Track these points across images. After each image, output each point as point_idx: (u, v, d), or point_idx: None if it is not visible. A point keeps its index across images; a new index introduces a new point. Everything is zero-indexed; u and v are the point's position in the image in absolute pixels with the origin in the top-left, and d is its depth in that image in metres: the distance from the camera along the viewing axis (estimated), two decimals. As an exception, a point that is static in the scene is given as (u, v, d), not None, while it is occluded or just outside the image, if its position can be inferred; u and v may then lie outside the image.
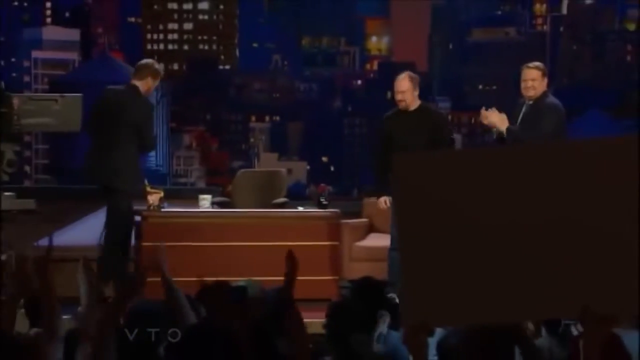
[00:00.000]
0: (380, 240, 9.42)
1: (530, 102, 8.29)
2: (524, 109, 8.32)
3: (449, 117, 48.00)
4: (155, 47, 70.46)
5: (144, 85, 8.36)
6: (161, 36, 71.13)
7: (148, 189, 8.65)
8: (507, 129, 8.17)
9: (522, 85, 8.34)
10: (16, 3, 66.70)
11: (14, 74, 63.23)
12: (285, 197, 9.59)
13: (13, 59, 64.56)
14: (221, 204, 9.42)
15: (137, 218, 8.51)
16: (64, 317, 4.05)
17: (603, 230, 3.08)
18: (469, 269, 3.13)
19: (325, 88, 69.78)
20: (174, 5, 71.12)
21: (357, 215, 10.17)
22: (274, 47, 71.57)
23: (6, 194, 8.26)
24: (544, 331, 5.59)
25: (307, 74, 70.75)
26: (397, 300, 5.90)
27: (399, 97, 8.50)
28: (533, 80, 8.27)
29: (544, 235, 3.11)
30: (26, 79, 63.67)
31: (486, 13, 69.85)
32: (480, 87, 69.51)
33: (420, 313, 3.15)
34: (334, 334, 4.90)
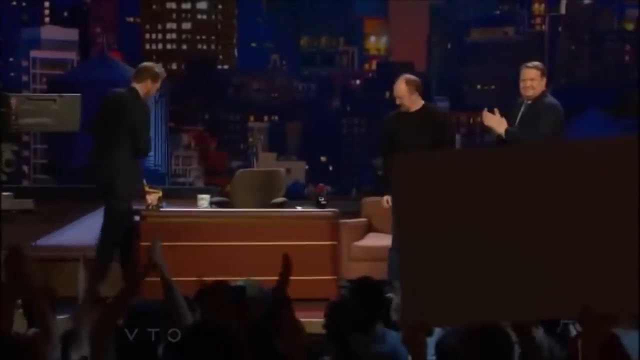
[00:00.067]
0: (379, 240, 9.42)
1: (529, 102, 8.29)
2: (522, 109, 8.33)
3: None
4: (153, 46, 70.45)
5: (143, 88, 8.36)
6: (160, 36, 71.13)
7: (146, 188, 8.65)
8: (506, 130, 8.18)
9: (521, 85, 8.35)
10: (14, 3, 66.68)
11: (12, 74, 63.22)
12: (283, 196, 9.59)
13: (11, 59, 64.52)
14: (220, 204, 9.42)
15: (136, 218, 8.51)
16: (63, 316, 4.04)
17: (602, 230, 3.08)
18: (468, 269, 3.13)
19: (323, 88, 69.78)
20: (173, 5, 71.10)
21: (356, 215, 10.18)
22: (272, 47, 71.58)
23: (4, 193, 8.26)
24: (542, 331, 5.59)
25: (306, 74, 70.74)
26: (395, 300, 5.91)
27: (397, 100, 8.56)
28: (532, 80, 8.27)
29: (543, 235, 3.11)
30: (24, 78, 63.64)
31: (485, 13, 69.88)
32: (479, 87, 69.52)
33: (419, 313, 3.15)
34: (333, 334, 4.90)
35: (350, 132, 68.06)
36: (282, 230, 8.63)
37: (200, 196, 9.12)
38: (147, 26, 70.47)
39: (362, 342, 4.90)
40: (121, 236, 8.26)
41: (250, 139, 67.30)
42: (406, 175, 3.22)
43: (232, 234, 8.63)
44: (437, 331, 4.22)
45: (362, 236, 9.82)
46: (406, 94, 8.50)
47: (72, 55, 63.81)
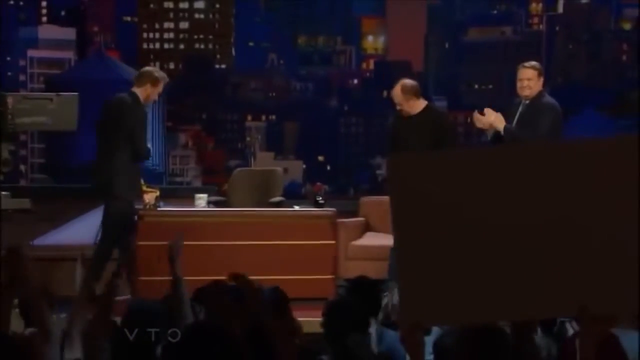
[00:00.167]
0: (377, 239, 9.43)
1: (527, 102, 8.29)
2: (520, 109, 8.33)
3: (445, 116, 47.76)
4: (151, 46, 70.40)
5: (143, 92, 8.49)
6: (157, 35, 71.06)
7: (144, 188, 8.67)
8: (505, 127, 8.18)
9: (518, 84, 8.35)
10: (12, 2, 66.62)
11: (9, 73, 63.15)
12: (281, 196, 9.60)
13: (9, 58, 64.45)
14: (217, 203, 9.43)
15: (136, 218, 8.54)
16: (62, 315, 4.04)
17: (600, 230, 3.08)
18: (466, 268, 3.13)
19: (321, 87, 69.72)
20: (170, 5, 71.04)
21: (353, 214, 10.18)
22: (270, 46, 71.52)
23: (2, 193, 8.28)
24: (539, 330, 5.59)
25: (303, 73, 70.67)
26: (385, 300, 5.91)
27: (397, 106, 8.65)
28: (529, 79, 8.28)
29: (540, 234, 3.11)
30: (22, 77, 63.58)
31: (482, 12, 69.83)
32: (476, 86, 69.48)
33: (418, 312, 3.15)
34: (331, 333, 4.90)
35: (348, 131, 68.01)
36: (279, 230, 8.63)
37: (197, 195, 9.13)
38: (145, 25, 70.41)
39: (360, 341, 4.90)
40: (120, 236, 8.37)
41: (248, 138, 67.18)
42: (402, 175, 3.22)
43: (230, 233, 8.63)
44: (435, 330, 4.22)
45: (359, 235, 9.82)
46: (403, 100, 8.56)
47: (70, 55, 63.73)
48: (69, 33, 65.33)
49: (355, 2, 72.53)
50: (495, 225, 3.12)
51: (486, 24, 69.49)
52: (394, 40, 71.74)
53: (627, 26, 67.04)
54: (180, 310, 4.38)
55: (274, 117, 68.74)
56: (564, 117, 8.40)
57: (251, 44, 71.38)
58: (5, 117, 8.27)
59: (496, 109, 8.36)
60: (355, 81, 71.26)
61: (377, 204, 10.00)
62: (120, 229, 8.34)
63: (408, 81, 8.74)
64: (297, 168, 59.78)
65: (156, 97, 8.75)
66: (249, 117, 68.71)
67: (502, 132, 8.18)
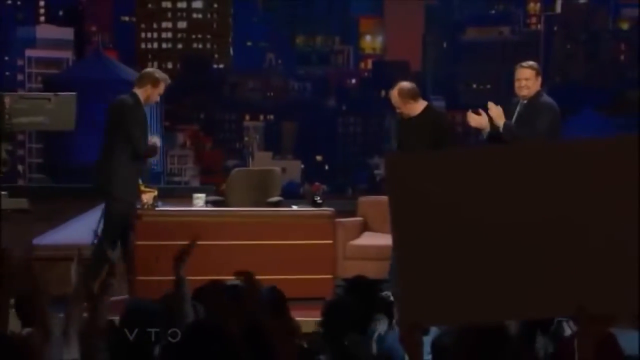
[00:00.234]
0: (375, 239, 9.43)
1: (525, 102, 8.30)
2: (518, 109, 8.34)
3: (443, 116, 47.69)
4: (149, 45, 70.36)
5: (143, 93, 8.59)
6: (155, 35, 71.02)
7: (142, 187, 8.69)
8: (505, 124, 8.19)
9: (516, 84, 8.36)
10: (10, 1, 66.59)
11: (7, 73, 63.10)
12: (279, 196, 9.60)
13: (6, 58, 64.41)
14: (215, 203, 9.43)
15: (135, 217, 8.56)
16: (60, 315, 4.03)
17: (599, 230, 3.08)
18: (464, 269, 3.12)
19: (319, 87, 69.71)
20: (168, 4, 71.00)
21: (352, 214, 10.19)
22: (268, 46, 71.49)
23: (0, 193, 8.29)
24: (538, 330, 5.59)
25: (301, 73, 70.65)
26: (392, 299, 5.92)
27: (396, 109, 8.70)
28: (527, 79, 8.28)
29: (539, 234, 3.11)
30: (20, 77, 63.55)
31: (480, 12, 69.83)
32: (475, 86, 69.49)
33: (416, 312, 3.14)
34: (329, 333, 4.90)
35: (346, 131, 67.99)
36: (277, 230, 8.63)
37: (195, 195, 9.13)
38: (143, 25, 70.37)
39: (358, 341, 4.90)
40: (120, 237, 8.44)
41: (246, 138, 67.23)
42: (400, 175, 3.21)
43: (228, 233, 8.63)
44: (433, 330, 4.22)
45: (357, 235, 9.83)
46: (401, 103, 8.62)
47: (68, 54, 63.70)
48: (67, 33, 65.30)
49: (353, 2, 72.50)
50: (494, 225, 3.12)
51: (484, 24, 69.48)
52: (392, 40, 71.72)
53: (625, 26, 67.06)
54: (182, 309, 4.39)
55: (272, 116, 68.72)
56: (562, 117, 8.40)
57: (249, 43, 71.36)
58: (3, 117, 8.28)
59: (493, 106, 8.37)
60: (353, 81, 71.25)
61: (375, 203, 10.00)
62: (119, 231, 8.42)
63: (405, 84, 8.72)
64: (295, 168, 59.77)
65: (157, 98, 8.80)
66: (247, 117, 68.67)
67: (501, 129, 8.18)
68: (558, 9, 69.02)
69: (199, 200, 9.05)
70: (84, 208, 10.04)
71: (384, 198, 3.58)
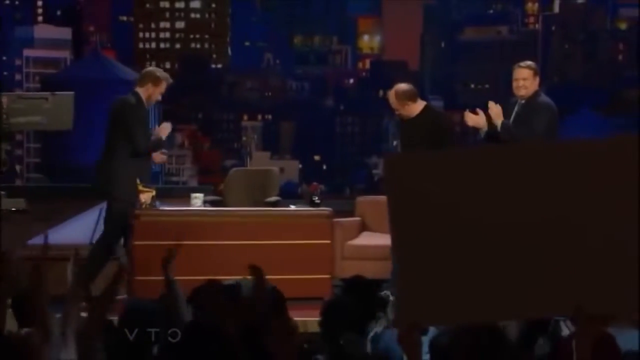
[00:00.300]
0: (373, 239, 9.43)
1: (523, 102, 8.30)
2: (516, 108, 8.34)
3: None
4: (147, 45, 70.35)
5: (144, 92, 8.63)
6: (153, 35, 71.01)
7: (140, 187, 8.68)
8: (502, 123, 8.19)
9: (514, 84, 8.36)
10: (7, 1, 66.56)
11: (5, 73, 63.08)
12: (277, 195, 9.59)
13: (4, 57, 64.39)
14: (213, 203, 9.42)
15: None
16: (57, 315, 4.03)
17: (598, 230, 3.08)
18: (463, 268, 3.12)
19: (317, 87, 69.71)
20: (166, 4, 71.00)
21: (350, 213, 10.18)
22: (266, 46, 71.48)
23: (-1, 192, 8.29)
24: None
25: (299, 73, 70.65)
26: (391, 298, 5.92)
27: (395, 112, 8.71)
28: (524, 79, 8.28)
29: (537, 234, 3.11)
30: (18, 77, 63.52)
31: (478, 12, 69.84)
32: (473, 85, 69.50)
33: (415, 312, 3.14)
34: (328, 333, 4.91)
35: (344, 131, 68.00)
36: (275, 230, 8.63)
37: (193, 195, 9.13)
38: (141, 25, 70.35)
39: (355, 341, 4.90)
40: (120, 237, 8.48)
41: (244, 138, 67.17)
42: (399, 175, 3.21)
43: (226, 233, 8.63)
44: (431, 330, 4.22)
45: (355, 235, 9.83)
46: (399, 105, 8.62)
47: (66, 54, 63.68)
48: (65, 32, 65.27)
49: (351, 1, 72.51)
50: (492, 225, 3.12)
51: (482, 24, 69.50)
52: (390, 40, 71.73)
53: (623, 26, 67.08)
54: (177, 309, 4.38)
55: (270, 116, 68.71)
56: (560, 117, 8.41)
57: (247, 43, 71.35)
58: (1, 117, 8.28)
59: (486, 112, 8.37)
60: (351, 81, 71.25)
61: (374, 203, 10.00)
62: (119, 230, 8.45)
63: (402, 86, 8.70)
64: (293, 168, 59.76)
65: (159, 97, 8.82)
66: (245, 117, 68.66)
67: (498, 128, 8.18)
68: (556, 8, 69.04)
69: (197, 200, 9.05)
70: (82, 208, 10.04)
71: (382, 198, 3.58)
